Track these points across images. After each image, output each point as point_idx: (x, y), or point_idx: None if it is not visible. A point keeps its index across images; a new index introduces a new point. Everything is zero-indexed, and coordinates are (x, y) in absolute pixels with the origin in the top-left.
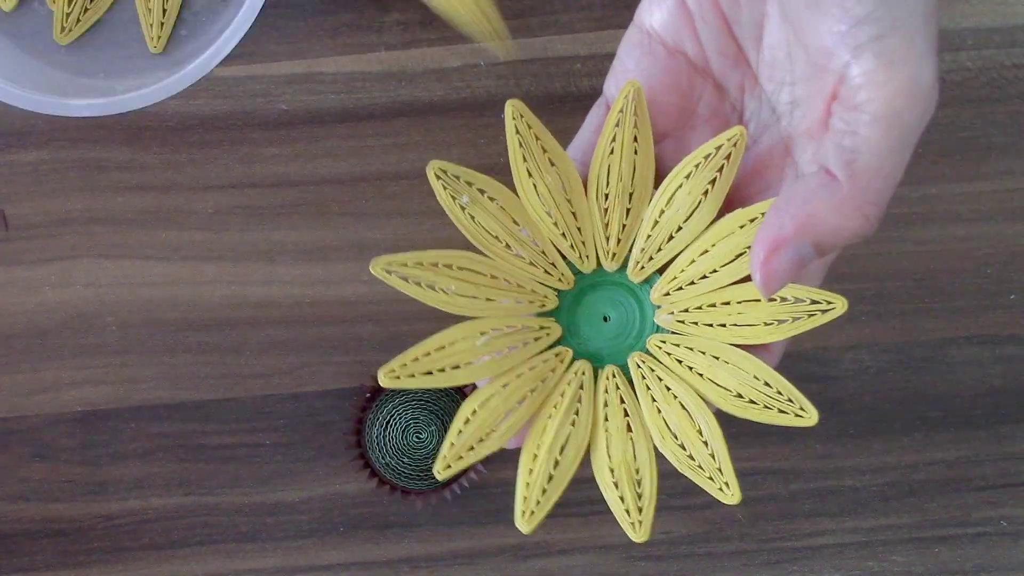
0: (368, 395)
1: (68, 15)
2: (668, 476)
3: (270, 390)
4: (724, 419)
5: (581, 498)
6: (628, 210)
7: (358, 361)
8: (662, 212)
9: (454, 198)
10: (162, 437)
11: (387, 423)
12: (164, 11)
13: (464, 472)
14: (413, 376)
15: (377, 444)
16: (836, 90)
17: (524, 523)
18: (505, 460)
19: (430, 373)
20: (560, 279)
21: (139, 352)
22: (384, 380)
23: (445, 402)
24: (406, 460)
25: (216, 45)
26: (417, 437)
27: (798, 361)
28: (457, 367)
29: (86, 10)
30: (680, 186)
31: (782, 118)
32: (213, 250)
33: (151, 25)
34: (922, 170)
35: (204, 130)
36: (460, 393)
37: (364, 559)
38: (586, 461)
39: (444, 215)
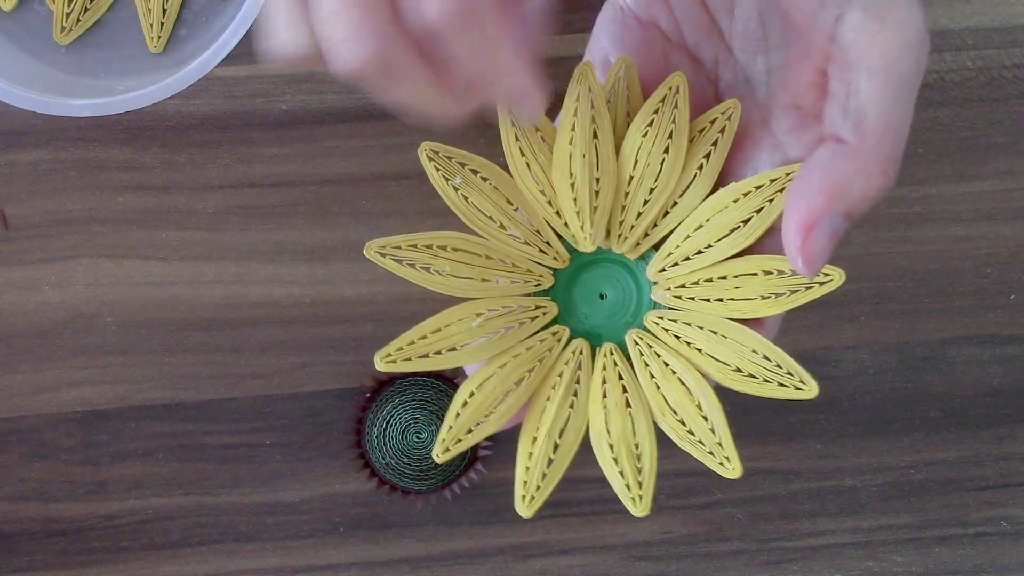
0: (368, 395)
1: (68, 15)
2: (667, 476)
3: (270, 390)
4: (727, 416)
5: (581, 498)
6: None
7: (358, 361)
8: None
9: (447, 179)
10: (162, 437)
11: (387, 423)
12: (164, 11)
13: (464, 472)
14: (409, 360)
15: (377, 444)
16: (827, 51)
17: (524, 508)
18: (505, 460)
19: (426, 356)
20: (555, 258)
21: (139, 352)
22: (380, 364)
23: (445, 402)
24: (406, 460)
25: (216, 45)
26: (417, 437)
27: (798, 361)
28: (453, 349)
29: (86, 10)
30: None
31: (758, 88)
32: (213, 250)
33: (151, 25)
34: (922, 170)
35: (204, 130)
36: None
37: (364, 559)
38: (586, 448)
39: (446, 215)
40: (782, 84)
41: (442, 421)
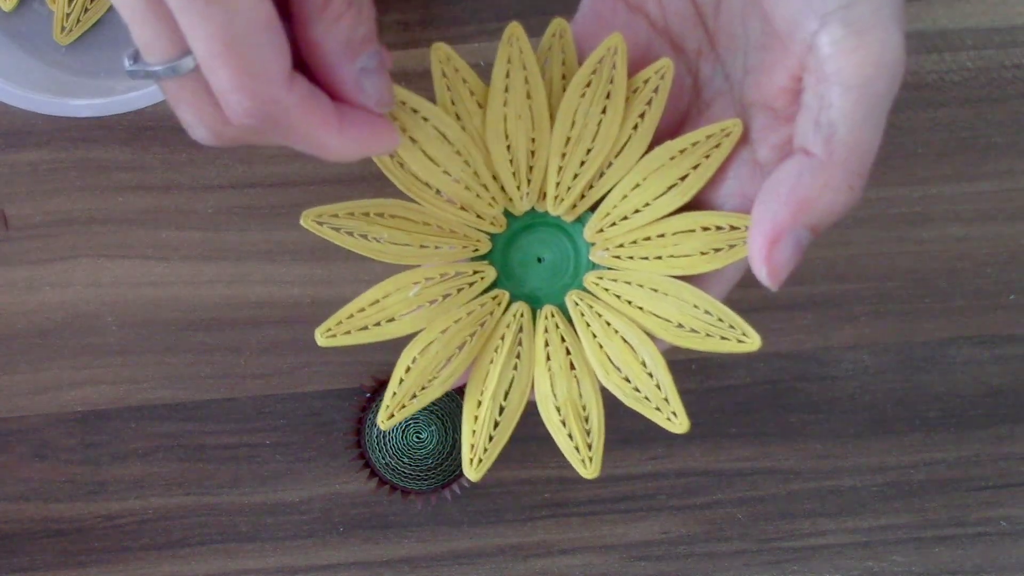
0: (368, 395)
1: (68, 15)
2: (667, 476)
3: (270, 390)
4: (722, 419)
5: (581, 498)
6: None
7: (358, 361)
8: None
9: None
10: (162, 437)
11: None
12: None
13: (463, 473)
14: (349, 333)
15: (377, 444)
16: (803, 60)
17: (472, 471)
18: (505, 460)
19: (365, 328)
20: (492, 222)
21: (139, 352)
22: (321, 340)
23: (445, 402)
24: (406, 460)
25: None
26: (417, 437)
27: (798, 361)
28: (392, 320)
29: (86, 10)
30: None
31: (735, 86)
32: (213, 250)
33: None
34: (922, 170)
35: None
36: (460, 393)
37: (364, 559)
38: (533, 411)
39: None
40: (756, 84)
41: (442, 420)
